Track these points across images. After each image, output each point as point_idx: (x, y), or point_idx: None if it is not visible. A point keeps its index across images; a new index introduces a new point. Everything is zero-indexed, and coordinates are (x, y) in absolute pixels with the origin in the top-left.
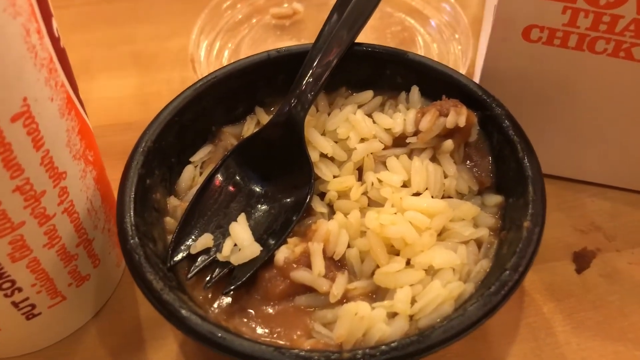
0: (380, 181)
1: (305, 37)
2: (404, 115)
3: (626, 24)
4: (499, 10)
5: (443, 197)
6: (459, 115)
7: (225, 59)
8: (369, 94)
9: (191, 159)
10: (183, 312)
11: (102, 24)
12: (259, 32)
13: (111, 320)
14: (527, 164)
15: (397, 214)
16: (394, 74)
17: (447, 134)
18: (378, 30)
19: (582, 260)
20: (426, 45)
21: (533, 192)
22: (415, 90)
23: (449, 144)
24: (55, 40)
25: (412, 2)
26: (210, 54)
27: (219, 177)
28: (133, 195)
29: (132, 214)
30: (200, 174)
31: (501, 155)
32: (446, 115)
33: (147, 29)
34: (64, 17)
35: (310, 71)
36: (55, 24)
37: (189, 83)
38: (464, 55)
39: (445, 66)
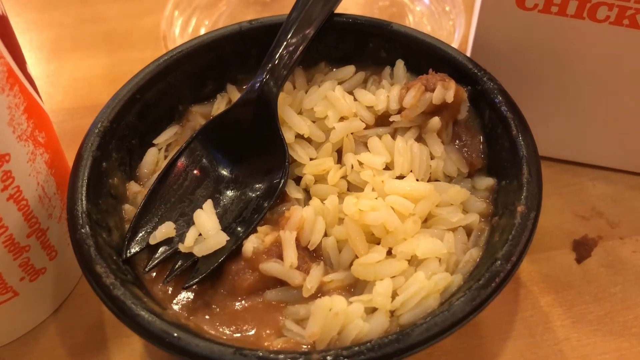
0: (360, 163)
1: None
2: (388, 92)
3: None
4: None
5: (429, 180)
6: (446, 90)
7: None
8: (350, 69)
9: (155, 141)
10: (134, 308)
11: (71, 0)
12: (238, 8)
13: (72, 317)
14: (522, 143)
15: (378, 198)
16: (378, 47)
17: (434, 110)
18: (364, 6)
19: (582, 249)
20: (416, 21)
21: (528, 174)
22: (400, 65)
23: (435, 122)
24: None
25: None
26: (185, 31)
27: (184, 161)
28: (86, 180)
29: (83, 200)
30: (165, 157)
31: (493, 134)
32: (432, 90)
33: (119, 6)
34: None
35: (285, 43)
36: None
37: None
38: (455, 29)
39: (432, 38)
